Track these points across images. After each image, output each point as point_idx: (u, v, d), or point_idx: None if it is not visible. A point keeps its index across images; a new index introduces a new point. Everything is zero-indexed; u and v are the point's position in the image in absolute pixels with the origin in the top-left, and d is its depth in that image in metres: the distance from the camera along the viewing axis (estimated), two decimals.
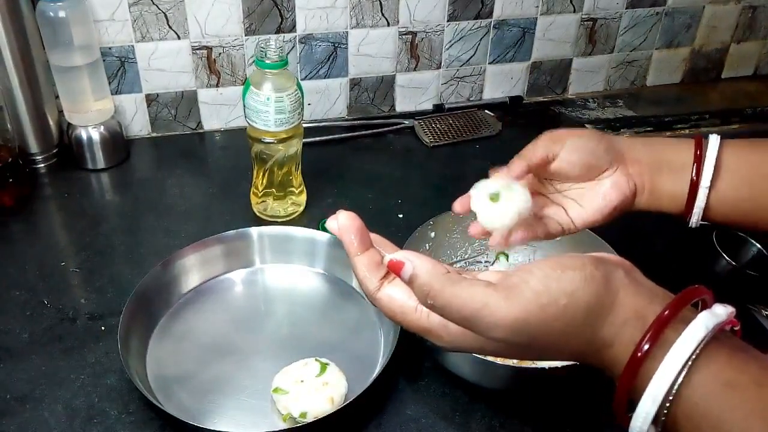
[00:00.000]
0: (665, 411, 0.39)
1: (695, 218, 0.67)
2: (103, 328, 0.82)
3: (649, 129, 1.26)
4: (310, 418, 0.69)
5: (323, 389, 0.71)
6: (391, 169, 1.10)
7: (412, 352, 0.77)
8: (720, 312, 0.40)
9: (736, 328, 0.42)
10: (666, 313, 0.40)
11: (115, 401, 0.73)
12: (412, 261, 0.44)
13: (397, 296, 0.46)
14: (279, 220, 0.98)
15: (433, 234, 0.85)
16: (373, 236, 0.49)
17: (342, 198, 1.03)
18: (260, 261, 0.90)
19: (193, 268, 0.86)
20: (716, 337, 0.40)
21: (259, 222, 0.97)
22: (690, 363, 0.38)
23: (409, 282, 0.44)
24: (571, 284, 0.41)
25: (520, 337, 0.42)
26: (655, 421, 0.40)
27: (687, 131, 1.26)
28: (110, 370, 0.76)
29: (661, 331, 0.40)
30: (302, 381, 0.72)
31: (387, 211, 1.00)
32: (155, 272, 0.83)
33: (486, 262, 0.89)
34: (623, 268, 0.44)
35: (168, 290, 0.84)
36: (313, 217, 0.98)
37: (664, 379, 0.39)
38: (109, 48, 1.07)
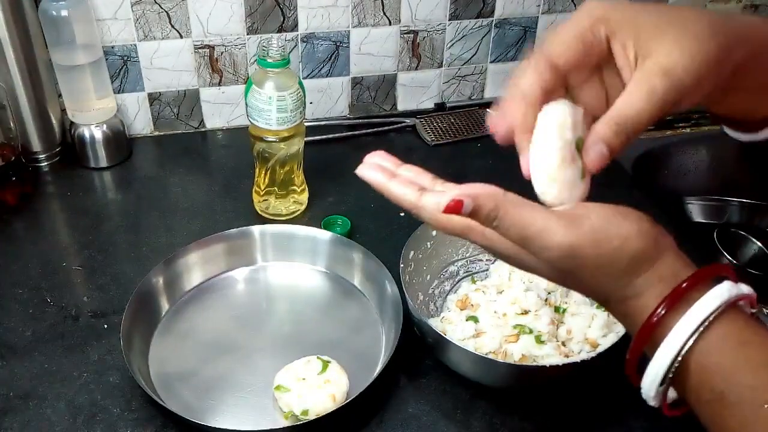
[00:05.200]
0: (680, 359, 0.42)
1: None
2: (105, 326, 0.82)
3: (650, 127, 1.25)
4: (311, 416, 0.69)
5: (325, 387, 0.71)
6: None
7: (414, 349, 0.77)
8: (743, 288, 0.43)
9: (753, 310, 0.44)
10: (689, 281, 0.42)
11: (118, 399, 0.73)
12: (470, 195, 0.44)
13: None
14: (281, 218, 0.98)
15: (434, 232, 0.85)
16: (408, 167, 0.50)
17: (344, 196, 1.03)
18: (262, 259, 0.91)
19: (195, 266, 0.87)
20: (736, 307, 0.42)
21: (261, 220, 0.97)
22: (711, 319, 0.41)
23: (472, 214, 0.44)
24: (627, 231, 0.44)
25: (567, 264, 0.44)
26: (668, 372, 0.42)
27: (688, 130, 1.26)
28: (113, 368, 0.77)
29: (686, 292, 0.42)
30: (304, 378, 0.72)
31: (388, 210, 1.00)
32: (157, 270, 0.83)
33: (488, 260, 0.89)
34: (671, 238, 0.46)
35: (170, 288, 0.84)
36: (315, 215, 0.98)
37: (686, 328, 0.41)
38: (112, 47, 1.08)
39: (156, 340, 0.80)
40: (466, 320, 0.78)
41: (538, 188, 0.47)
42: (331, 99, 1.22)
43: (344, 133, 1.18)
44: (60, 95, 1.07)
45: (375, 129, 1.20)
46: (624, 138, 0.45)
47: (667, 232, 0.46)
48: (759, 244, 0.90)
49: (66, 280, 0.88)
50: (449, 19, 1.18)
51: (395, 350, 0.73)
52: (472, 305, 0.82)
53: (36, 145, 1.06)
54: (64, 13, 0.97)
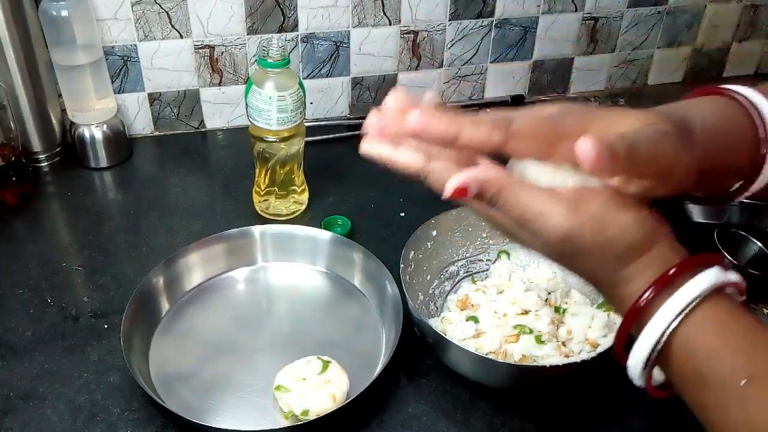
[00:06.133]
0: (663, 341, 0.43)
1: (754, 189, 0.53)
2: (105, 326, 0.82)
3: None
4: (312, 416, 0.69)
5: (325, 387, 0.71)
6: None
7: (414, 350, 0.77)
8: (731, 275, 0.44)
9: (743, 297, 0.45)
10: (677, 268, 0.43)
11: (118, 399, 0.73)
12: (476, 179, 0.44)
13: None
14: (281, 218, 0.98)
15: (434, 233, 0.85)
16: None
17: (344, 196, 1.03)
18: (262, 259, 0.91)
19: (195, 266, 0.87)
20: (722, 293, 0.44)
21: (262, 220, 0.97)
22: (694, 304, 0.42)
23: (476, 197, 0.45)
24: (625, 220, 0.44)
25: (562, 247, 0.45)
26: (651, 353, 0.44)
27: None
28: (113, 368, 0.77)
29: (673, 279, 0.43)
30: (304, 379, 0.72)
31: (389, 210, 1.01)
32: (158, 270, 0.83)
33: (488, 260, 0.89)
34: (666, 227, 0.47)
35: (170, 288, 0.84)
36: (315, 215, 0.98)
37: (672, 310, 0.43)
38: (112, 47, 1.08)
39: (156, 340, 0.80)
40: (467, 320, 0.79)
41: None
42: (331, 99, 1.22)
43: (344, 133, 1.18)
44: (60, 95, 1.07)
45: None
46: (616, 151, 0.42)
47: (663, 222, 0.46)
48: (759, 244, 0.90)
49: (66, 280, 0.89)
50: (449, 19, 1.18)
51: (395, 350, 0.73)
52: (472, 305, 0.82)
53: (36, 145, 1.07)
54: (64, 13, 0.97)
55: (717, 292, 0.43)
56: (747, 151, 0.50)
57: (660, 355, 0.44)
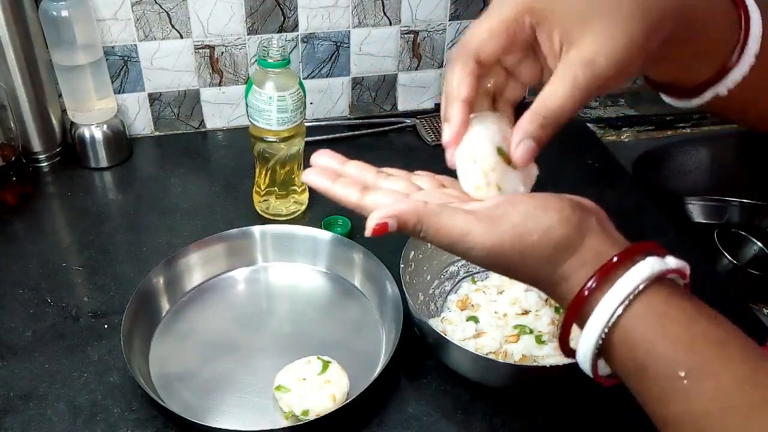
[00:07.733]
0: (605, 334, 0.43)
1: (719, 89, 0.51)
2: (105, 326, 0.82)
3: (650, 128, 1.26)
4: (312, 416, 0.69)
5: (325, 387, 0.71)
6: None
7: (414, 350, 0.77)
8: (670, 262, 0.44)
9: (685, 281, 0.45)
10: (616, 258, 0.44)
11: (118, 399, 0.73)
12: (392, 215, 0.46)
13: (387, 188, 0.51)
14: (281, 218, 0.98)
15: None
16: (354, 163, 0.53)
17: None
18: (263, 259, 0.91)
19: (195, 267, 0.87)
20: (662, 281, 0.43)
21: (262, 220, 0.97)
22: (632, 296, 0.42)
23: (399, 230, 0.47)
24: (547, 223, 0.45)
25: (493, 260, 0.46)
26: (595, 346, 0.44)
27: (688, 130, 1.26)
28: (113, 368, 0.77)
29: (609, 272, 0.43)
30: (304, 379, 0.72)
31: None
32: (158, 270, 0.83)
33: None
34: (597, 215, 0.47)
35: (171, 288, 0.84)
36: (316, 215, 0.98)
37: (610, 304, 0.43)
38: (112, 47, 1.08)
39: (156, 340, 0.80)
40: (467, 320, 0.79)
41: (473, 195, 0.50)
42: (331, 99, 1.22)
43: (344, 134, 1.18)
44: (60, 95, 1.07)
45: (375, 129, 1.20)
46: (550, 130, 0.46)
47: (591, 213, 0.47)
48: (759, 244, 0.90)
49: (66, 281, 0.89)
50: (450, 19, 1.18)
51: (395, 350, 0.73)
52: (472, 305, 0.82)
53: (36, 145, 1.07)
54: (64, 13, 0.97)
55: (657, 280, 0.43)
56: (724, 35, 0.49)
57: (603, 348, 0.44)
